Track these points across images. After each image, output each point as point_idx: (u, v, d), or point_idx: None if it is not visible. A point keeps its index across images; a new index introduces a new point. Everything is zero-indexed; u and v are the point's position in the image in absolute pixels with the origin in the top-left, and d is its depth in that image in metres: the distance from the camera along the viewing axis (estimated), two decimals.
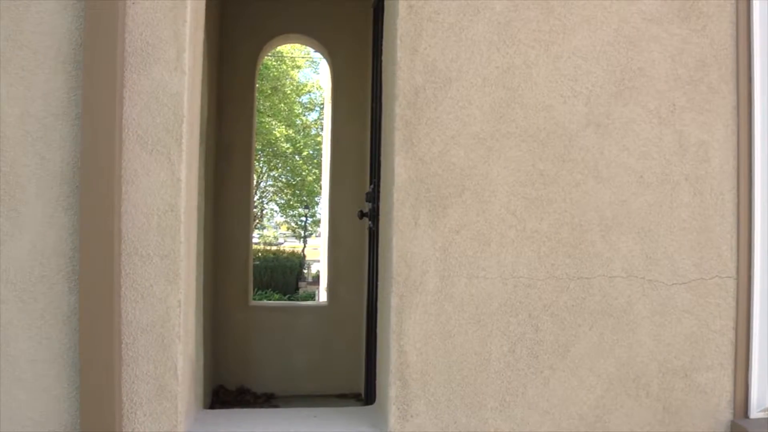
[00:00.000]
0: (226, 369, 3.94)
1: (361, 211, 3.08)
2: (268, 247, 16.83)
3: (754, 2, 2.03)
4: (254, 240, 19.93)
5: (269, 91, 15.11)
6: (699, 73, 1.98)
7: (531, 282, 1.85)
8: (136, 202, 1.69)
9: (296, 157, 16.58)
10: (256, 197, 17.02)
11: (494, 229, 1.83)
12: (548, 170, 1.86)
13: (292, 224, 20.19)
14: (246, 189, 4.22)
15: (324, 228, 4.64)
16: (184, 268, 1.72)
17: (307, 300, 10.17)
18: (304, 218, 19.10)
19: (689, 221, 1.94)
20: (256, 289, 10.71)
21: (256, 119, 4.58)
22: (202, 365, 2.98)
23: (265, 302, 6.16)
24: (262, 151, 15.71)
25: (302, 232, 19.83)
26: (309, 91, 17.10)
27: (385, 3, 2.03)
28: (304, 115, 17.19)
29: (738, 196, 1.97)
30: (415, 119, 1.82)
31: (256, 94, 4.70)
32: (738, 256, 1.97)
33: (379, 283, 2.05)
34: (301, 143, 16.59)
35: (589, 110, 1.89)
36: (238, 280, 4.16)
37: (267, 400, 3.80)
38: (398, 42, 1.84)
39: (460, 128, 1.83)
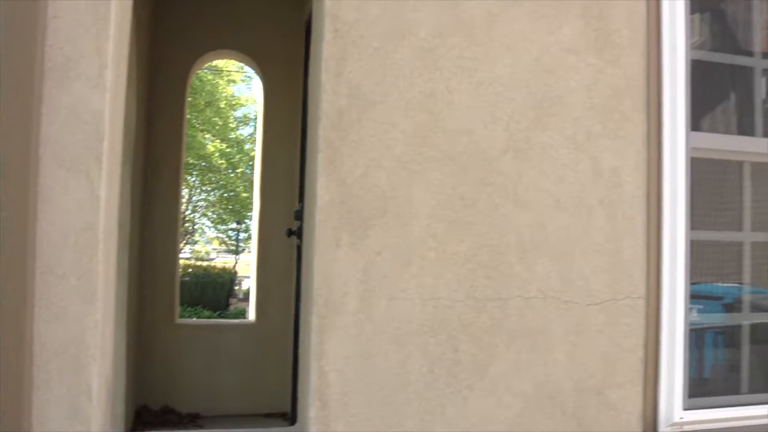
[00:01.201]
0: (150, 388, 3.91)
1: (290, 230, 3.14)
2: (200, 263, 16.60)
3: (664, 36, 2.21)
4: (185, 255, 19.64)
5: (203, 105, 15.01)
6: (613, 102, 2.14)
7: (450, 303, 1.96)
8: (52, 221, 1.70)
9: (230, 171, 16.50)
10: (189, 212, 16.78)
11: (415, 251, 1.93)
12: (469, 194, 1.98)
13: (225, 239, 19.98)
14: (174, 204, 4.21)
15: (254, 244, 4.66)
16: (102, 288, 1.74)
17: (238, 317, 10.07)
18: (236, 233, 18.93)
19: (603, 244, 2.10)
20: (185, 306, 10.55)
21: (186, 134, 4.59)
22: (124, 385, 2.96)
23: (191, 320, 6.11)
24: (195, 165, 15.56)
25: (235, 248, 19.64)
26: (244, 105, 17.08)
27: (312, 26, 2.12)
28: (238, 130, 17.17)
29: (648, 219, 2.14)
30: (338, 141, 1.91)
31: (188, 109, 4.71)
32: (648, 277, 2.13)
33: (301, 303, 2.11)
34: (236, 158, 16.54)
35: (509, 136, 2.02)
36: (165, 298, 4.14)
37: (192, 420, 3.79)
38: (323, 65, 1.93)
39: (383, 151, 1.93)
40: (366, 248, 1.90)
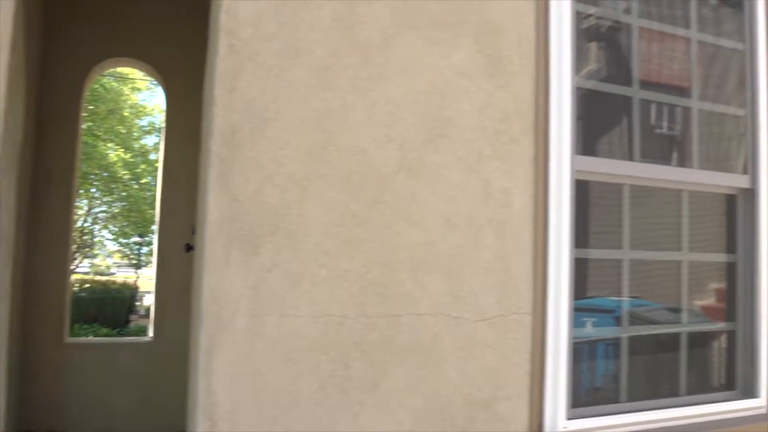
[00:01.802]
0: (35, 411, 3.74)
1: (188, 245, 3.10)
2: (99, 278, 15.91)
3: (552, 64, 2.36)
4: (84, 270, 18.77)
5: (105, 113, 14.49)
6: (503, 125, 2.26)
7: (342, 320, 2.00)
8: None
9: (133, 182, 15.97)
10: (88, 224, 16.09)
11: (307, 269, 1.97)
12: (361, 212, 2.03)
13: (127, 253, 19.27)
14: (66, 217, 4.07)
15: (154, 259, 4.58)
16: None
17: (139, 334, 9.73)
18: (138, 247, 18.31)
19: (492, 261, 2.20)
20: (81, 324, 10.09)
21: (81, 142, 4.45)
22: (3, 408, 2.83)
23: (83, 339, 5.89)
24: (96, 175, 14.97)
25: (137, 262, 18.97)
26: (149, 114, 16.61)
27: (208, 40, 2.13)
28: (143, 139, 16.67)
29: (535, 238, 2.27)
30: (230, 157, 1.92)
31: (89, 117, 4.59)
32: (534, 293, 2.26)
33: (191, 321, 2.10)
34: (140, 168, 16.03)
35: (402, 155, 2.10)
36: (53, 316, 3.99)
37: None
38: (217, 79, 1.94)
39: (276, 168, 1.96)
40: (257, 265, 1.92)
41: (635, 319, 2.76)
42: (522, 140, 2.28)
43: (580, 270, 2.47)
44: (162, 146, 4.56)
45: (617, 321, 2.70)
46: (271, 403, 1.93)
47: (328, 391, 1.99)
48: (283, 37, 2.00)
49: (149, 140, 16.89)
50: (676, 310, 2.83)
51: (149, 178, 16.15)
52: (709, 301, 2.96)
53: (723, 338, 2.92)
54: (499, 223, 2.22)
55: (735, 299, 2.90)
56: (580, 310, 2.61)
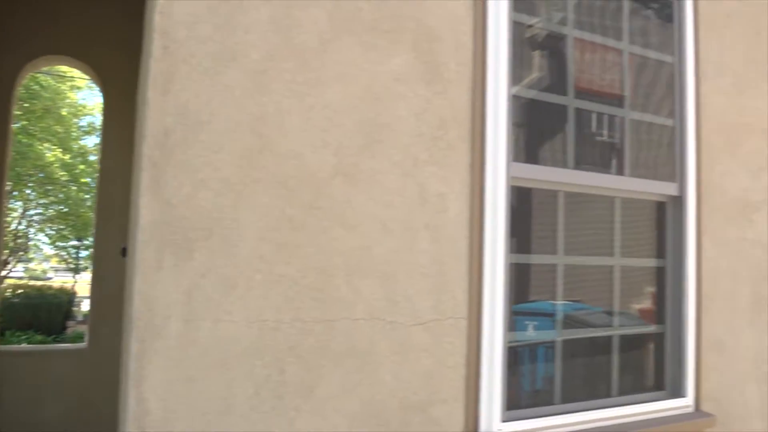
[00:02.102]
0: None
1: (125, 248, 3.05)
2: (34, 283, 15.39)
3: (489, 71, 2.42)
4: (18, 274, 18.13)
5: (40, 112, 14.04)
6: (440, 131, 2.31)
7: (277, 325, 2.01)
8: None
9: (71, 185, 15.51)
10: (22, 227, 15.56)
11: (242, 273, 1.97)
12: (297, 216, 2.05)
13: (65, 257, 18.70)
14: None
15: (91, 263, 4.48)
16: None
17: (76, 341, 9.46)
18: (76, 251, 17.80)
19: (428, 266, 2.24)
20: (14, 331, 9.76)
21: (11, 141, 4.32)
22: None
23: (14, 346, 5.70)
24: (31, 176, 14.49)
25: (75, 266, 18.44)
26: (90, 114, 16.17)
27: (143, 41, 2.11)
28: (82, 140, 16.21)
29: (471, 243, 2.32)
30: (163, 161, 1.90)
31: (25, 115, 4.46)
32: (470, 298, 2.31)
33: (123, 327, 2.07)
34: (79, 170, 15.58)
35: (339, 161, 2.12)
36: None
37: None
38: (150, 81, 1.92)
39: (210, 172, 1.95)
40: (190, 270, 1.91)
41: (574, 323, 2.84)
42: (459, 146, 2.33)
43: (522, 274, 2.55)
44: (100, 148, 4.47)
45: (557, 324, 2.78)
46: (205, 409, 1.92)
47: (263, 397, 1.99)
48: (219, 39, 2.00)
49: (89, 141, 16.46)
50: (612, 314, 2.93)
51: (89, 179, 15.73)
52: (643, 304, 3.07)
53: (654, 340, 3.03)
54: (435, 228, 2.26)
55: (664, 303, 3.02)
56: (521, 314, 2.68)
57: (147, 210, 1.88)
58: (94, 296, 4.23)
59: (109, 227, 4.21)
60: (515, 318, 2.67)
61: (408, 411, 2.19)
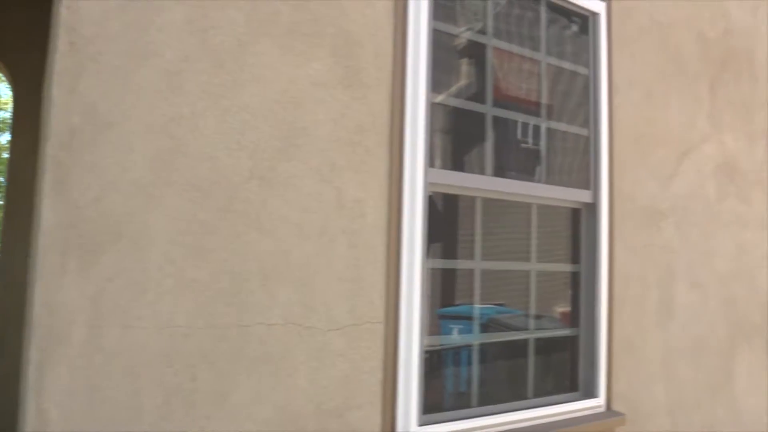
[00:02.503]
0: None
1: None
2: None
3: (408, 78, 2.47)
4: None
5: None
6: (358, 137, 2.33)
7: (189, 331, 1.98)
8: None
9: None
10: None
11: (152, 278, 1.93)
12: (210, 220, 2.03)
13: None
14: None
15: None
16: None
17: None
18: None
19: (345, 271, 2.26)
20: None
21: None
22: None
23: None
24: None
25: None
26: (2, 108, 15.43)
27: (50, 36, 2.04)
28: None
29: (388, 248, 2.35)
30: (69, 161, 1.85)
31: None
32: (387, 303, 2.34)
33: (24, 335, 2.00)
34: None
35: (254, 164, 2.12)
36: None
37: None
38: (56, 79, 1.87)
39: (119, 174, 1.91)
40: (97, 275, 1.87)
41: (497, 326, 2.92)
42: (377, 152, 2.36)
43: (442, 279, 2.60)
44: (9, 147, 4.29)
45: (479, 327, 2.85)
46: (111, 419, 1.87)
47: (173, 405, 1.96)
48: (131, 37, 1.97)
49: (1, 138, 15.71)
50: (531, 317, 3.02)
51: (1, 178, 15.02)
52: (559, 308, 3.19)
53: (568, 343, 3.14)
54: (353, 234, 2.28)
55: (578, 306, 3.15)
56: (445, 318, 2.74)
57: (51, 212, 1.83)
58: (1, 302, 4.05)
59: (16, 230, 4.04)
60: (441, 321, 2.73)
61: (324, 416, 2.20)
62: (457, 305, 2.79)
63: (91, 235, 1.87)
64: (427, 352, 2.62)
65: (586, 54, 3.25)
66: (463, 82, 2.80)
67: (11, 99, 4.15)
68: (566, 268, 3.15)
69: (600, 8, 3.27)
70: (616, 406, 3.19)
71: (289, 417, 2.14)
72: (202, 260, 2.01)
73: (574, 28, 3.24)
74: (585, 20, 3.26)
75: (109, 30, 1.94)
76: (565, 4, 3.15)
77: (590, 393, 3.11)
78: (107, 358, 1.87)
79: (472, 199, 2.76)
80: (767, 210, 4.32)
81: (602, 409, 3.12)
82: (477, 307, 2.83)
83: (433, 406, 2.60)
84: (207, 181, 2.04)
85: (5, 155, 15.32)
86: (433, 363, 2.69)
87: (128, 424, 1.90)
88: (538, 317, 3.05)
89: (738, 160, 4.10)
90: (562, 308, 3.19)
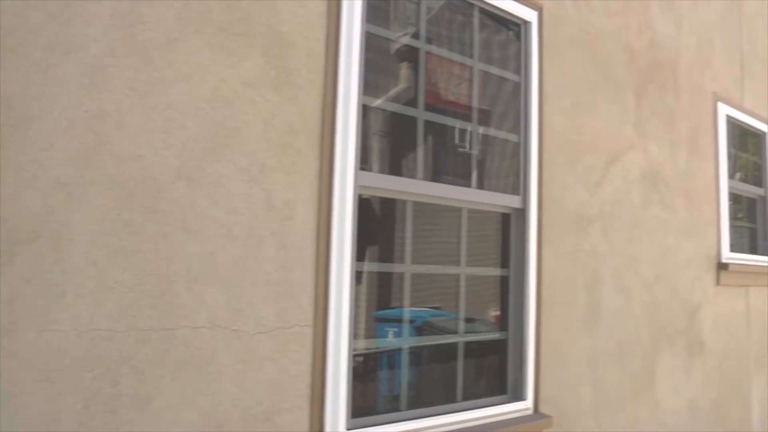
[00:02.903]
0: None
1: None
2: None
3: (340, 80, 2.50)
4: None
5: None
6: (289, 138, 2.35)
7: (110, 334, 1.95)
8: None
9: None
10: None
11: (71, 280, 1.90)
12: (135, 220, 2.01)
13: None
14: None
15: None
16: None
17: None
18: None
19: (273, 274, 2.27)
20: None
21: None
22: None
23: None
24: None
25: None
26: None
27: None
28: None
29: (317, 251, 2.38)
30: None
31: None
32: (315, 306, 2.36)
33: None
34: None
35: (182, 163, 2.11)
36: None
37: None
38: None
39: (37, 171, 1.87)
40: (12, 275, 1.82)
41: (432, 329, 2.98)
42: (307, 153, 2.39)
43: (374, 282, 2.64)
44: None
45: (415, 331, 2.90)
46: (26, 427, 1.83)
47: (93, 411, 1.92)
48: (52, 30, 1.93)
49: None
50: (465, 320, 3.09)
51: None
52: (489, 312, 3.27)
53: (498, 346, 3.23)
54: (282, 236, 2.30)
55: (507, 310, 3.24)
56: (381, 321, 2.77)
57: None
58: None
59: None
60: (376, 324, 2.76)
61: (251, 421, 2.21)
62: (393, 308, 2.83)
63: (7, 234, 1.83)
64: (357, 355, 2.66)
65: (518, 61, 3.35)
66: (395, 85, 2.86)
67: None
68: (496, 272, 3.24)
69: (532, 17, 3.39)
70: (544, 409, 3.29)
71: (215, 421, 2.13)
72: (125, 261, 1.98)
73: (507, 35, 3.35)
74: (517, 28, 3.37)
75: (31, 21, 1.90)
76: (497, 12, 3.25)
77: (518, 396, 3.20)
78: (22, 364, 1.83)
79: (403, 202, 2.82)
80: (689, 216, 4.54)
81: (530, 412, 3.21)
82: (412, 311, 2.88)
83: (362, 409, 2.63)
84: (132, 180, 2.01)
85: None
86: (364, 366, 2.72)
87: None
88: (470, 321, 3.12)
89: (662, 168, 4.31)
90: (493, 312, 3.28)
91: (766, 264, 5.49)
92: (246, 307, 2.21)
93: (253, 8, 2.32)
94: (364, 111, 2.64)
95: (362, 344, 2.67)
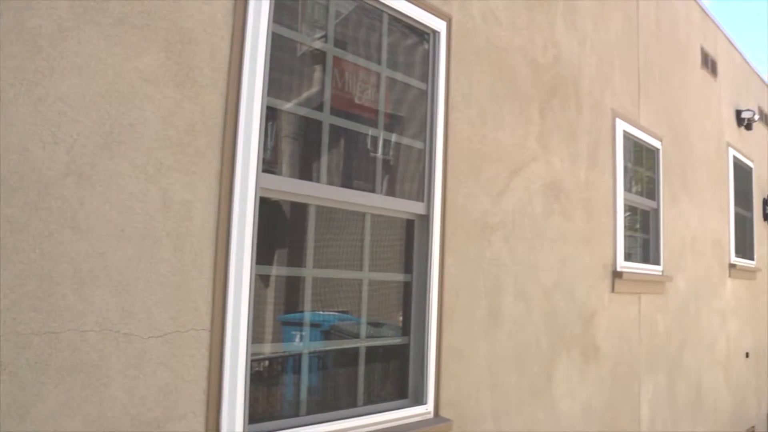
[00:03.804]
0: None
1: None
2: None
3: (244, 80, 2.46)
4: None
5: None
6: (188, 137, 2.29)
7: None
8: None
9: None
10: None
11: None
12: (17, 217, 1.90)
13: None
14: None
15: None
16: None
17: None
18: None
19: (169, 276, 2.20)
20: None
21: None
22: None
23: None
24: None
25: None
26: None
27: None
28: None
29: (216, 253, 2.32)
30: None
31: None
32: (213, 310, 2.31)
33: None
34: None
35: (71, 159, 2.01)
36: None
37: None
38: None
39: None
40: None
41: (339, 333, 2.97)
42: (208, 153, 2.33)
43: (281, 286, 2.61)
44: None
45: (321, 335, 2.88)
46: None
47: None
48: None
49: None
50: (370, 325, 3.10)
51: None
52: (392, 317, 3.29)
53: (399, 351, 3.26)
54: (178, 237, 2.23)
55: (410, 315, 3.27)
56: (288, 324, 2.74)
57: None
58: None
59: None
60: (283, 328, 2.73)
61: (142, 428, 2.13)
62: (300, 312, 2.80)
63: None
64: (258, 359, 2.62)
65: (426, 70, 3.40)
66: (302, 88, 2.84)
67: None
68: (399, 277, 3.26)
69: (441, 27, 3.45)
70: (444, 413, 3.34)
71: (102, 429, 2.05)
72: (6, 261, 1.88)
73: (416, 43, 3.39)
74: (426, 37, 3.42)
75: None
76: (407, 20, 3.29)
77: (419, 400, 3.24)
78: None
79: (307, 206, 2.80)
80: (587, 227, 4.74)
81: (430, 416, 3.25)
82: (320, 314, 2.86)
83: (261, 414, 2.59)
84: (16, 174, 1.91)
85: None
86: (265, 371, 2.69)
87: None
88: (374, 325, 3.14)
89: (563, 179, 4.47)
90: (396, 317, 3.30)
91: (657, 273, 5.79)
92: (139, 310, 2.13)
93: (153, 1, 2.25)
94: (269, 113, 2.61)
95: (263, 348, 2.63)
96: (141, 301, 2.14)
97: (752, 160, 8.62)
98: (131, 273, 2.12)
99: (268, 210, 2.57)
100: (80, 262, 2.02)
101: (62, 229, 1.98)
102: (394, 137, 3.23)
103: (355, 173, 3.06)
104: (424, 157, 3.35)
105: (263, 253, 2.59)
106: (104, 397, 2.06)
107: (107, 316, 2.06)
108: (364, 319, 3.08)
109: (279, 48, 2.69)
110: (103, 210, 2.07)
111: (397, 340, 3.25)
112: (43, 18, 2.01)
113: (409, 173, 3.30)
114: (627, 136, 5.41)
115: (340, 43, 2.99)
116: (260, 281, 2.60)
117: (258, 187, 2.47)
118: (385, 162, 3.18)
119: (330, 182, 2.87)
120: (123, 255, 2.10)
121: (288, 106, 2.75)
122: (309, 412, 2.77)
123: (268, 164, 2.63)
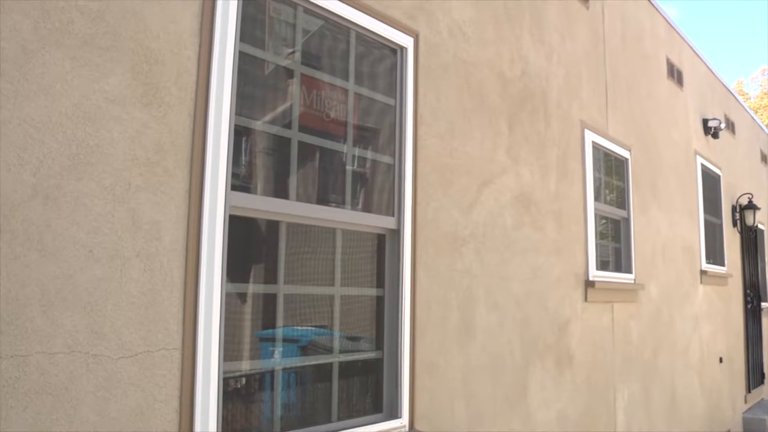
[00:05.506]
0: None
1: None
2: None
3: (212, 100, 2.49)
4: None
5: None
6: (156, 157, 2.31)
7: None
8: None
9: None
10: None
11: None
12: None
13: None
14: None
15: None
16: None
17: None
18: None
19: (138, 296, 2.21)
20: None
21: None
22: None
23: None
24: None
25: None
26: None
27: None
28: None
29: (186, 272, 2.34)
30: None
31: None
32: (184, 328, 2.32)
33: None
34: None
35: (38, 181, 2.02)
36: None
37: None
38: None
39: None
40: None
41: (316, 349, 2.98)
42: (176, 173, 2.35)
43: (253, 303, 2.63)
44: None
45: (299, 351, 2.89)
46: None
47: None
48: None
49: None
50: (344, 339, 3.12)
51: None
52: (365, 331, 3.32)
53: (373, 365, 3.28)
54: (148, 257, 2.24)
55: (383, 329, 3.30)
56: (265, 340, 2.75)
57: None
58: None
59: None
60: (260, 344, 2.74)
61: None
62: (275, 328, 2.82)
63: None
64: (231, 377, 2.62)
65: (394, 85, 3.46)
66: (270, 106, 2.87)
67: None
68: (372, 292, 3.30)
69: (408, 43, 3.51)
70: (419, 425, 3.37)
71: None
72: None
73: (383, 59, 3.44)
74: (393, 53, 3.48)
75: None
76: (374, 37, 3.34)
77: (394, 414, 3.26)
78: None
79: (278, 223, 2.82)
80: (559, 237, 4.81)
81: (405, 429, 3.28)
82: (297, 330, 2.88)
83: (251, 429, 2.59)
84: None
85: None
86: (238, 388, 2.69)
87: None
88: (350, 339, 3.16)
89: (533, 191, 4.55)
90: (367, 332, 3.33)
91: (629, 281, 5.89)
92: (108, 331, 2.14)
93: (120, 22, 2.28)
94: (238, 131, 2.64)
95: (235, 366, 2.64)
96: (110, 321, 2.15)
97: (720, 168, 8.81)
98: (100, 294, 2.13)
99: (238, 228, 2.59)
100: (48, 284, 2.02)
101: (29, 252, 1.99)
102: (363, 153, 3.27)
103: (325, 189, 3.10)
104: (394, 172, 3.39)
105: (234, 271, 2.61)
106: (74, 420, 2.06)
107: (76, 338, 2.07)
108: (337, 334, 3.10)
109: (247, 66, 2.72)
110: (70, 231, 2.08)
111: (371, 355, 3.27)
112: (6, 40, 2.02)
113: (378, 188, 3.34)
114: (596, 147, 5.51)
115: (307, 61, 3.03)
116: (231, 299, 2.61)
117: (228, 205, 2.49)
118: (355, 177, 3.22)
119: (300, 199, 2.89)
120: (92, 276, 2.11)
121: (257, 123, 2.78)
122: (284, 428, 2.78)
123: (238, 182, 2.65)
